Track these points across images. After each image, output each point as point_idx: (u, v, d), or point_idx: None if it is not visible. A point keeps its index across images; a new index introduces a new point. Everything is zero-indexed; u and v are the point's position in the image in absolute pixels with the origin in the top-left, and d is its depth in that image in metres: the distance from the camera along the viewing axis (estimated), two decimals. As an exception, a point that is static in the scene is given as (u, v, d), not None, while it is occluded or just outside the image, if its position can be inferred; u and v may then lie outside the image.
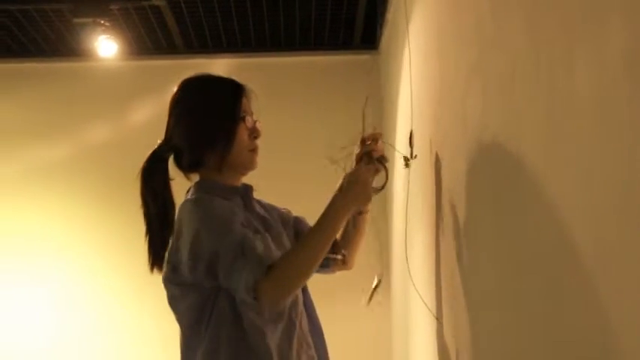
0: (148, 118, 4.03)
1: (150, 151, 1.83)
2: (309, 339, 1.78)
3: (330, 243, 1.68)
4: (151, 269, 1.80)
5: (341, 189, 1.69)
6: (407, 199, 2.14)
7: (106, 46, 3.73)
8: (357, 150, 1.82)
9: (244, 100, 1.82)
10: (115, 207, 4.02)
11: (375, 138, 1.81)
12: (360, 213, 1.89)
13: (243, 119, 1.79)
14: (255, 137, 1.82)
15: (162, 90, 3.96)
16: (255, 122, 1.83)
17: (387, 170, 1.82)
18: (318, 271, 1.89)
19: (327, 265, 1.92)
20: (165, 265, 1.73)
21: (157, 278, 1.78)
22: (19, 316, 4.05)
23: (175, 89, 1.86)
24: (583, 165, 0.93)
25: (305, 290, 1.84)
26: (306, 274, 1.66)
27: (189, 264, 1.65)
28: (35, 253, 4.07)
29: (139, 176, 1.80)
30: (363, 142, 1.82)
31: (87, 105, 4.18)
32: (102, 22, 3.57)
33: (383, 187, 1.84)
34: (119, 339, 4.00)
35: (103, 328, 4.02)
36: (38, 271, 4.07)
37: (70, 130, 4.17)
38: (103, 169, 4.11)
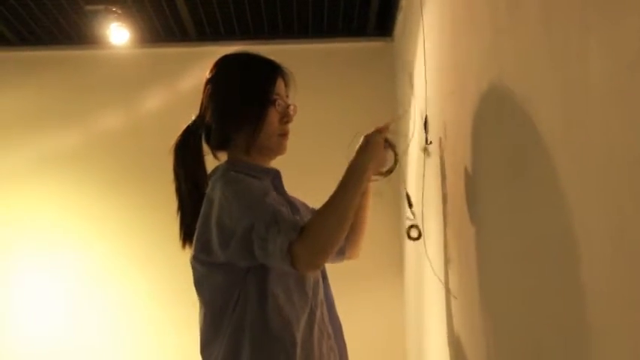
0: (161, 106, 4.03)
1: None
2: (330, 329, 1.77)
3: (356, 201, 1.64)
4: (183, 245, 1.79)
5: (358, 151, 1.70)
6: (423, 184, 2.13)
7: (118, 33, 3.71)
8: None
9: (279, 83, 1.79)
10: (129, 195, 4.03)
11: (387, 125, 1.80)
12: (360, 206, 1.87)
13: (274, 102, 1.77)
14: (287, 122, 1.80)
15: (174, 78, 4.01)
16: (288, 107, 1.81)
17: (396, 154, 1.82)
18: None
19: None
20: (193, 244, 1.71)
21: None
22: (34, 309, 4.05)
23: (212, 65, 1.84)
24: (598, 151, 0.92)
25: (325, 280, 1.82)
26: (338, 233, 1.59)
27: (222, 240, 1.62)
28: (50, 243, 4.08)
29: (172, 151, 1.80)
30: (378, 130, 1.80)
31: (99, 93, 4.18)
32: (114, 9, 3.56)
33: (391, 170, 1.83)
34: (134, 330, 4.01)
35: (118, 320, 4.03)
36: (52, 262, 4.07)
37: (83, 117, 4.16)
38: (115, 156, 4.11)
